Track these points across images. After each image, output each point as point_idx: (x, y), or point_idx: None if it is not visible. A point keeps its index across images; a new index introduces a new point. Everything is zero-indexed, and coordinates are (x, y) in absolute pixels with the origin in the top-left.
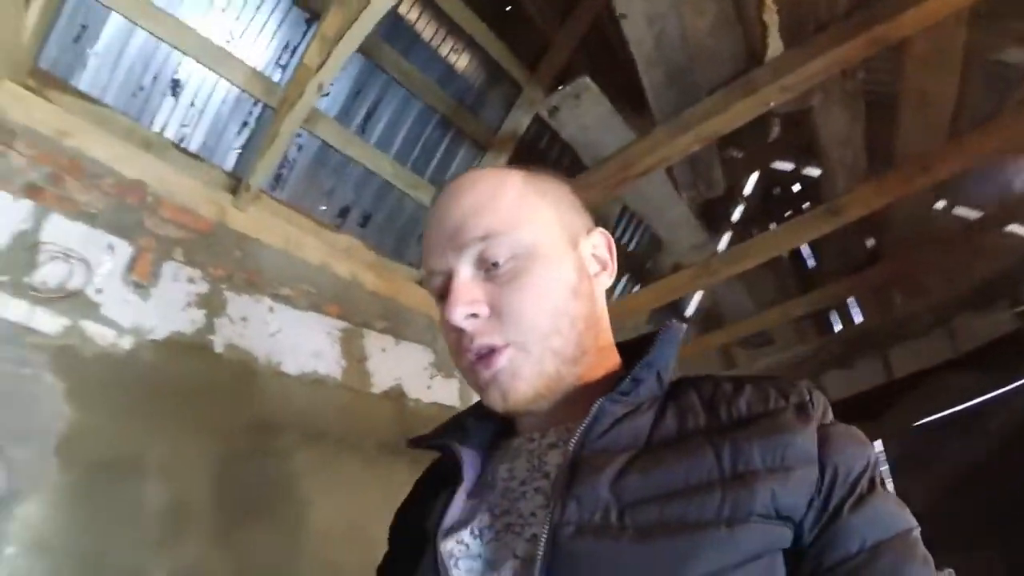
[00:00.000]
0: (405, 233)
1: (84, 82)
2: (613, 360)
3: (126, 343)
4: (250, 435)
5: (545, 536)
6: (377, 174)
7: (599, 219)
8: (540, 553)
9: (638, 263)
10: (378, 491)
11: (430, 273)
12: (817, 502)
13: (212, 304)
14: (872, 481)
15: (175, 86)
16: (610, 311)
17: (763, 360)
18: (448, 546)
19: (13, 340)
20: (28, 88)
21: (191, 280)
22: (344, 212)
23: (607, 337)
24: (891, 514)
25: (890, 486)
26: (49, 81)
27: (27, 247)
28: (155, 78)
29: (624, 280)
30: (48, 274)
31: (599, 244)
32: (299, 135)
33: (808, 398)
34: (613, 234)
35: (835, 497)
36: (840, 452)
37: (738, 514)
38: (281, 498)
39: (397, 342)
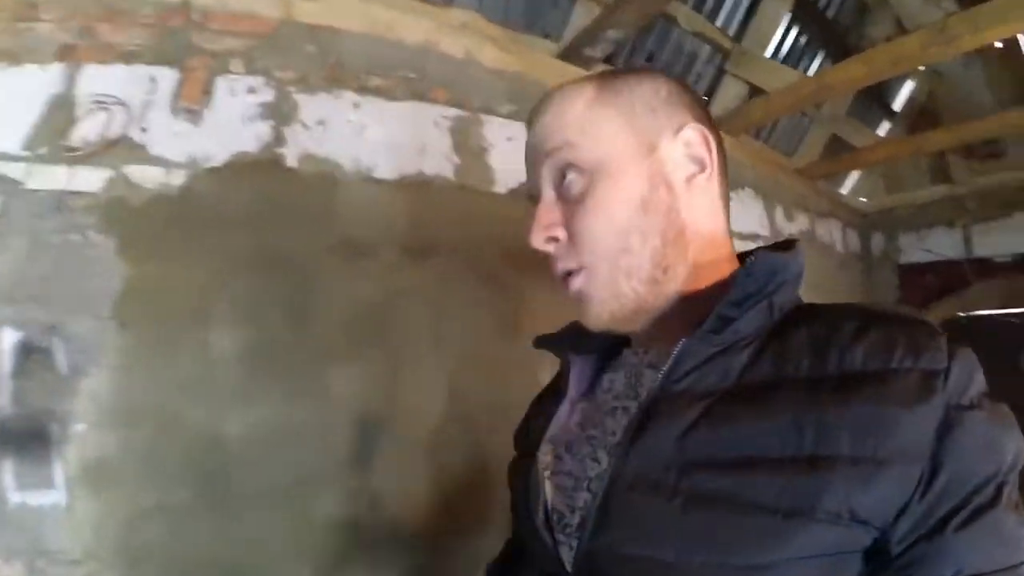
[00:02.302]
0: None
1: None
2: (727, 270)
3: (178, 179)
4: (336, 258)
5: (605, 483)
6: None
7: None
8: (596, 499)
9: (838, 35)
10: (502, 313)
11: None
12: (915, 508)
13: (280, 112)
14: (998, 491)
15: None
16: (801, 89)
17: (986, 177)
18: (545, 458)
19: (58, 209)
20: None
21: (251, 90)
22: None
23: (713, 247)
24: (1006, 541)
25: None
26: None
27: (61, 109)
28: None
29: (819, 57)
30: (85, 130)
31: (692, 141)
32: None
33: (946, 365)
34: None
35: (941, 507)
36: (965, 449)
37: (799, 506)
38: (378, 331)
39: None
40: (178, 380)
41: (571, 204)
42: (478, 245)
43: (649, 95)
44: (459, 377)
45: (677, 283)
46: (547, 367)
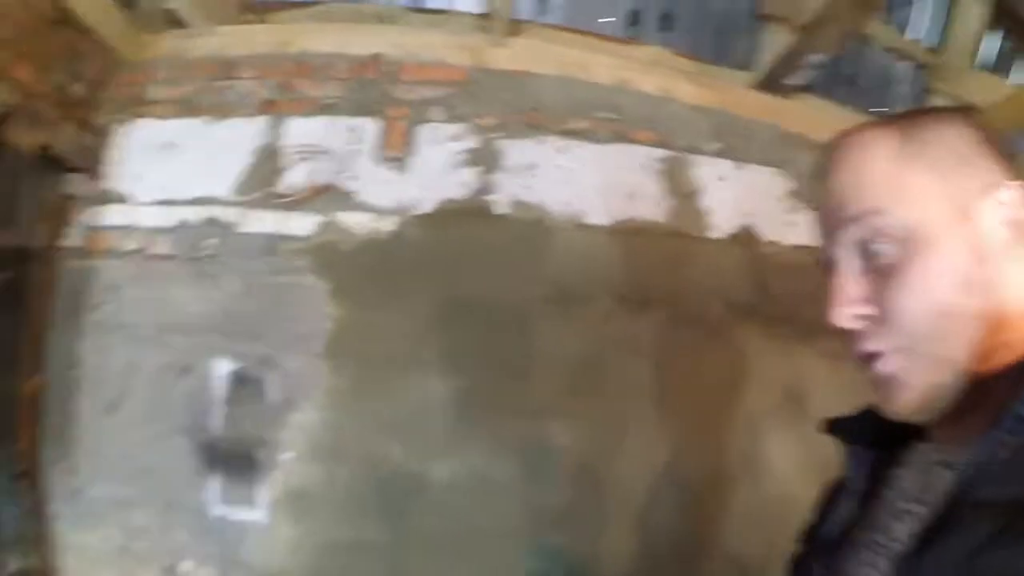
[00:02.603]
0: (723, 27)
1: None
2: None
3: (388, 225)
4: (549, 307)
5: None
6: None
7: None
8: None
9: None
10: (726, 366)
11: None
12: None
13: (485, 159)
14: None
15: None
16: None
17: None
18: (823, 559)
19: (270, 251)
20: (245, 22)
21: (454, 138)
22: (635, 18)
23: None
24: None
25: None
26: (257, 7)
27: (268, 158)
28: None
29: None
30: (292, 177)
31: (1010, 202)
32: None
33: None
34: None
35: None
36: None
37: None
38: (592, 384)
39: (738, 167)
40: (386, 421)
41: (880, 277)
42: (697, 295)
43: (957, 145)
44: (677, 438)
45: (986, 365)
46: (770, 437)
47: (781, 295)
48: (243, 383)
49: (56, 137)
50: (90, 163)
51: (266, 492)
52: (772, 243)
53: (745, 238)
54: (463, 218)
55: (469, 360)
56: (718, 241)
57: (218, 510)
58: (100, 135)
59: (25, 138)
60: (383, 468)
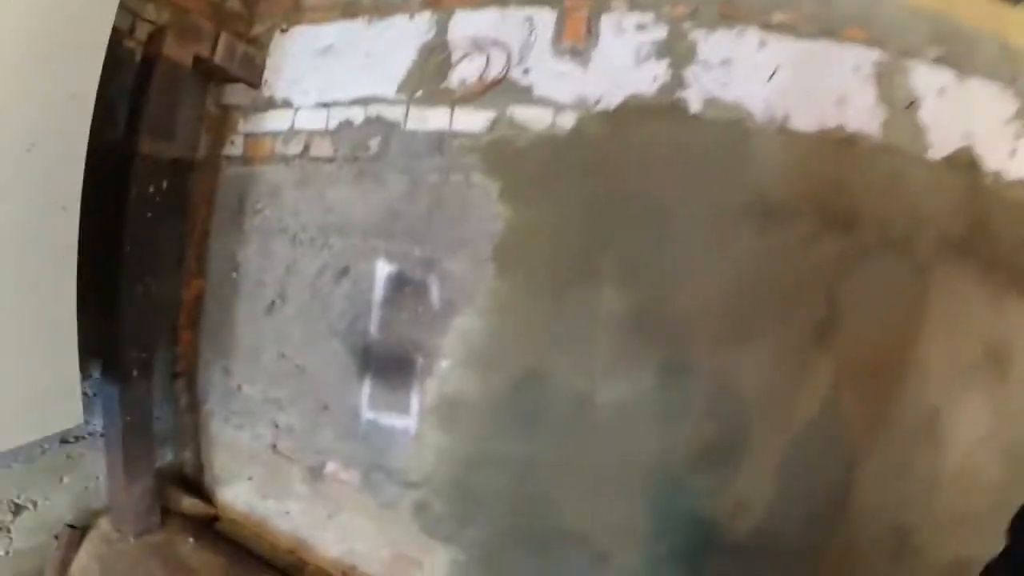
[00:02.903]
0: None
1: None
2: None
3: (567, 121)
4: (745, 221)
5: None
6: None
7: None
8: None
9: None
10: (924, 309)
11: None
12: None
13: (676, 51)
14: None
15: None
16: None
17: None
18: None
19: (438, 149)
20: None
21: (641, 27)
22: None
23: None
24: None
25: None
26: None
27: (435, 54)
28: None
29: None
30: (463, 73)
31: None
32: None
33: None
34: None
35: None
36: None
37: None
38: (776, 310)
39: (960, 79)
40: (552, 334)
41: None
42: (908, 223)
43: None
44: (846, 382)
45: None
46: (959, 398)
47: (1002, 236)
48: (403, 286)
49: (213, 49)
50: (249, 72)
51: (419, 399)
52: (995, 174)
53: (965, 163)
54: (650, 116)
55: (649, 273)
56: (935, 164)
57: (368, 414)
58: (258, 45)
59: (181, 52)
60: (545, 383)
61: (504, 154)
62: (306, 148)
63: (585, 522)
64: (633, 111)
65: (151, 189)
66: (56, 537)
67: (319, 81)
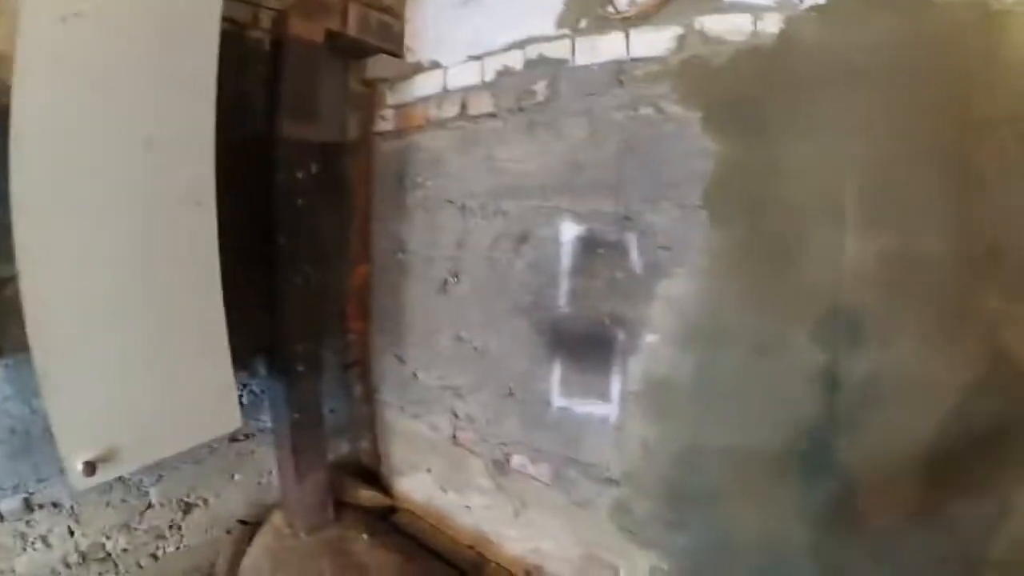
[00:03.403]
0: None
1: None
2: None
3: (770, 26)
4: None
5: None
6: None
7: None
8: None
9: None
10: None
11: None
12: None
13: None
14: None
15: None
16: None
17: None
18: None
19: (617, 82)
20: None
21: None
22: None
23: None
24: None
25: None
26: None
27: None
28: None
29: None
30: None
31: None
32: None
33: None
34: None
35: None
36: None
37: None
38: None
39: None
40: (789, 296)
41: None
42: None
43: None
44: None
45: None
46: None
47: None
48: (594, 249)
49: (343, 22)
50: (389, 41)
51: (620, 382)
52: None
53: None
54: (876, 5)
55: (906, 215)
56: None
57: (560, 401)
58: (393, 13)
59: (310, 29)
60: (783, 361)
61: (700, 76)
62: (463, 107)
63: (793, 534)
64: (853, 3)
65: (299, 175)
66: (228, 532)
67: (466, 33)
